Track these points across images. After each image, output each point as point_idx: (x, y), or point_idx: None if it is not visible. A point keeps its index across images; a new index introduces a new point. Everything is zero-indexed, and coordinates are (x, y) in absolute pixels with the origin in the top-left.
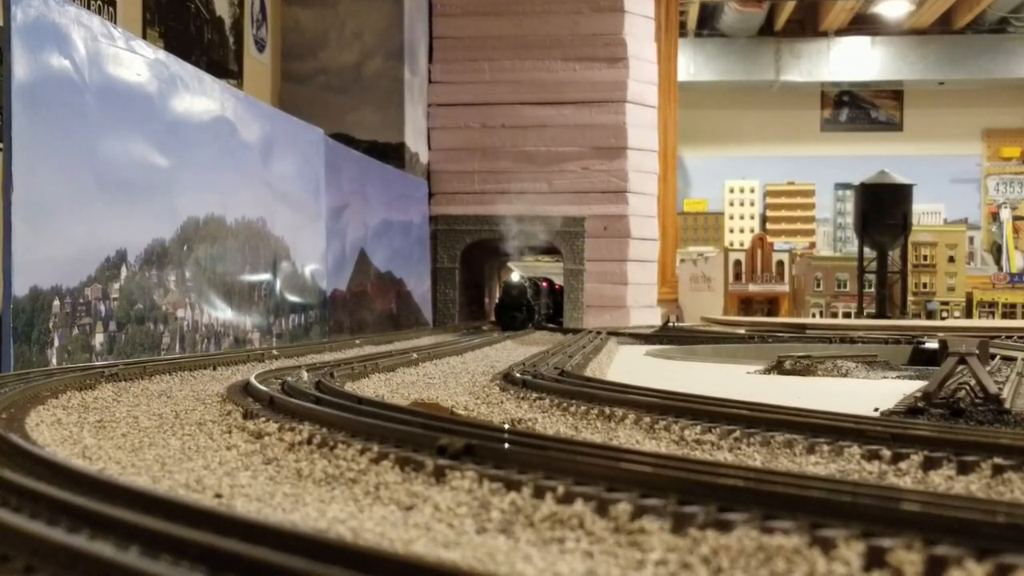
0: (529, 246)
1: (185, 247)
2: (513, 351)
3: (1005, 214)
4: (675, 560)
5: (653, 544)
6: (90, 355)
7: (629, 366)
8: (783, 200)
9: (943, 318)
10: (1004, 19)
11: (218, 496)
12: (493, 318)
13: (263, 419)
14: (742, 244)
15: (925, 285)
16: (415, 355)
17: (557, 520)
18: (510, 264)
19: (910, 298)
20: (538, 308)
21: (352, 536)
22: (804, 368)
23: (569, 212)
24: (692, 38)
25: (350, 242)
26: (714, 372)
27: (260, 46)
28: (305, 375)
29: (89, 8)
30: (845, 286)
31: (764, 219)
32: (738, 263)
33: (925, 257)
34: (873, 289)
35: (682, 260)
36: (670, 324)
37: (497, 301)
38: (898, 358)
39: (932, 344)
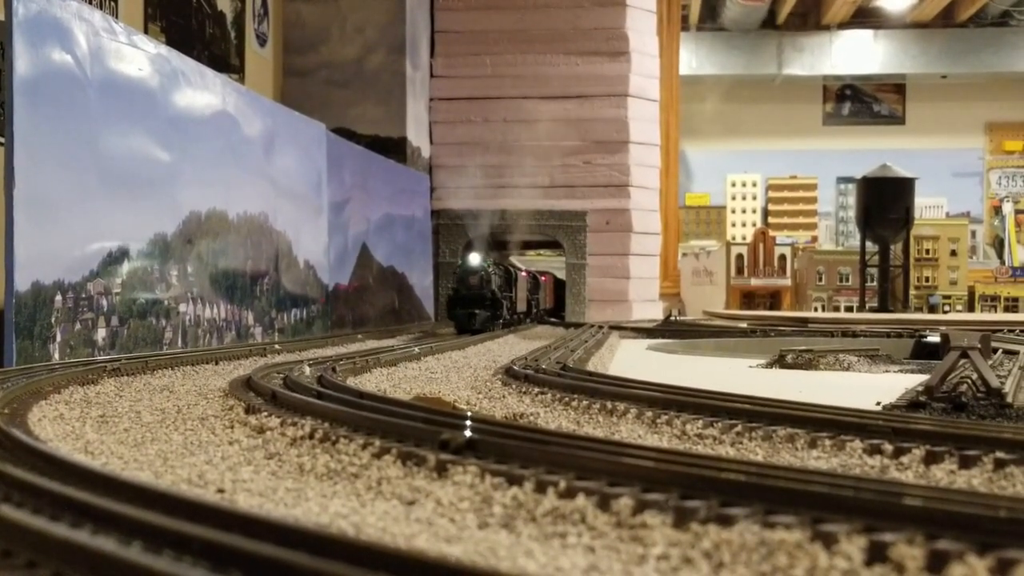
0: (531, 240)
1: (187, 242)
2: (515, 345)
3: (1007, 208)
4: (677, 555)
5: (655, 539)
6: (92, 350)
7: (631, 360)
8: (785, 194)
9: (945, 312)
10: (1006, 13)
11: (220, 491)
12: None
13: (265, 414)
14: (744, 238)
15: (927, 279)
16: (417, 349)
17: (559, 515)
18: (509, 255)
19: (912, 292)
20: (510, 302)
21: (354, 531)
22: (806, 362)
23: (571, 206)
24: (694, 32)
25: (352, 237)
26: (716, 366)
27: (262, 40)
28: (307, 370)
29: (91, 3)
30: (847, 280)
31: (766, 213)
32: (740, 257)
33: (927, 251)
34: (875, 283)
35: (684, 254)
36: (672, 318)
37: (450, 292)
38: (900, 352)
39: (934, 338)
